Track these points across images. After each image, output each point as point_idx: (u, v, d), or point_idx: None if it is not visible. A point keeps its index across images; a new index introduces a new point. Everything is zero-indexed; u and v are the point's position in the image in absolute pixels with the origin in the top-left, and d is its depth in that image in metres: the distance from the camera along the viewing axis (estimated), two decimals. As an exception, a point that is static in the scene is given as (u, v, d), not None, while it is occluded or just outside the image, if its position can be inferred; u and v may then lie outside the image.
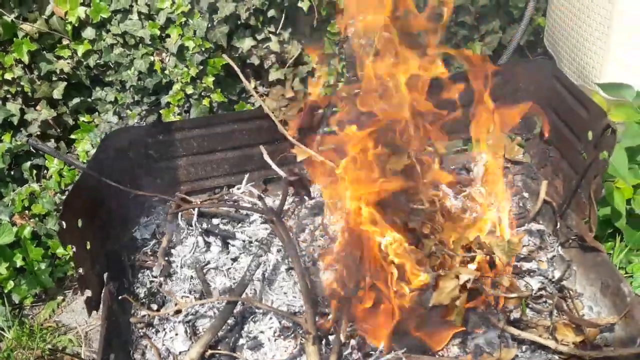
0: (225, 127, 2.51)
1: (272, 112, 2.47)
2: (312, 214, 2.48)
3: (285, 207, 2.45)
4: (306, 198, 2.48)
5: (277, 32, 2.87)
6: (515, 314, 2.05)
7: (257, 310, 2.12)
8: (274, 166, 2.36)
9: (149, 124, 2.76)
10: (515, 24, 3.17)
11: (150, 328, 2.10)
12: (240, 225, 2.50)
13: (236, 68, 2.71)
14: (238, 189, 2.28)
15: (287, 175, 2.30)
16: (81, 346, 2.39)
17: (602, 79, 2.71)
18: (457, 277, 1.89)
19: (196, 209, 2.44)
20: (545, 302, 2.13)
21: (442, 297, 1.90)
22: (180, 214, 2.47)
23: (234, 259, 2.36)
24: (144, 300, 2.20)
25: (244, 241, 2.40)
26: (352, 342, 1.95)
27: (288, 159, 2.48)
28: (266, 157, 2.38)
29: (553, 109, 2.44)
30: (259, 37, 2.86)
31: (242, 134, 2.52)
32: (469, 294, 1.91)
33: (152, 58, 2.78)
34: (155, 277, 2.27)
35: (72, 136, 2.84)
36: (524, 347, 1.97)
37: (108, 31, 2.72)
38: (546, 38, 3.23)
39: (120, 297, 2.06)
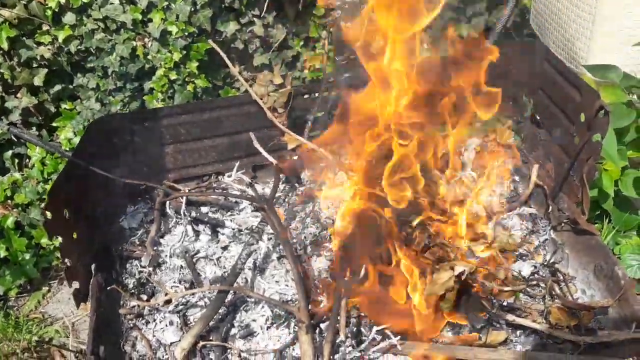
0: (213, 114, 2.46)
1: (260, 99, 2.43)
2: (303, 201, 2.45)
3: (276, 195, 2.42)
4: (297, 185, 2.44)
5: (262, 16, 2.82)
6: (509, 299, 2.04)
7: (248, 300, 2.09)
8: (264, 153, 2.32)
9: (135, 111, 2.71)
10: (501, 6, 3.14)
11: (140, 319, 2.06)
12: (229, 213, 2.46)
13: (221, 53, 2.66)
14: (229, 176, 2.24)
15: (278, 162, 2.26)
16: (68, 337, 2.35)
17: (589, 61, 2.70)
18: (452, 268, 1.88)
19: (184, 197, 2.40)
20: (538, 286, 2.12)
21: (435, 288, 1.88)
22: (168, 202, 2.43)
23: (224, 248, 2.32)
24: (133, 290, 2.16)
25: (233, 229, 2.37)
26: (346, 330, 1.92)
27: (278, 146, 2.44)
28: (256, 144, 2.34)
29: (544, 91, 2.42)
30: (243, 21, 2.82)
31: (231, 120, 2.47)
32: (464, 285, 1.91)
33: (134, 43, 2.73)
34: (144, 267, 2.23)
35: (54, 124, 2.78)
36: (518, 332, 1.96)
37: (89, 16, 2.65)
38: (533, 19, 3.21)
39: (108, 288, 2.02)
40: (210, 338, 1.96)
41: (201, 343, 1.92)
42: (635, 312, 1.85)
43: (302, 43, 2.99)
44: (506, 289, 2.00)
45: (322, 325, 1.96)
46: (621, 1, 2.67)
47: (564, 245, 2.23)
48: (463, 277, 1.88)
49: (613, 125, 2.57)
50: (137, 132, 2.41)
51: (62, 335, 2.36)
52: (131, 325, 2.05)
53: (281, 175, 2.39)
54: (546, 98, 2.40)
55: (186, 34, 2.73)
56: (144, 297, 2.14)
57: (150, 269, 2.22)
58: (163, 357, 1.95)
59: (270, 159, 2.34)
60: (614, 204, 2.97)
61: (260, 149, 2.34)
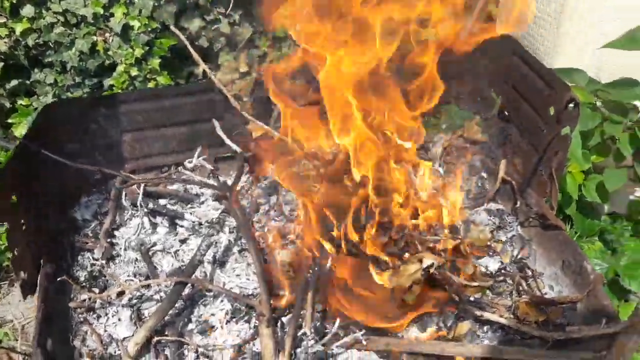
0: (174, 101, 2.36)
1: (224, 86, 2.34)
2: (267, 194, 2.37)
3: (239, 186, 2.33)
4: (261, 177, 2.36)
5: (227, 13, 2.74)
6: (476, 295, 1.99)
7: (207, 294, 2.00)
8: (227, 141, 2.23)
9: (91, 97, 2.59)
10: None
11: (92, 313, 1.95)
12: (189, 205, 2.36)
13: (185, 40, 2.57)
14: (189, 162, 2.15)
15: (242, 150, 2.18)
16: (17, 340, 2.23)
17: (554, 65, 2.70)
18: (421, 261, 1.82)
19: (142, 188, 2.29)
20: (506, 282, 2.08)
21: (402, 280, 1.83)
22: (124, 193, 2.32)
23: (183, 241, 2.23)
24: (84, 284, 2.04)
25: (193, 222, 2.27)
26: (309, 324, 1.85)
27: (242, 136, 2.36)
28: (219, 131, 2.25)
29: (513, 85, 2.39)
30: (209, 18, 2.73)
31: (192, 108, 2.37)
32: (431, 279, 1.86)
33: (94, 38, 2.63)
34: (97, 259, 2.12)
35: (9, 120, 2.65)
36: (485, 328, 1.91)
37: (48, 9, 2.54)
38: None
39: (58, 279, 1.91)
40: (166, 333, 1.87)
41: (156, 338, 1.82)
42: (604, 307, 1.81)
43: (268, 43, 2.92)
44: (473, 284, 1.95)
45: (284, 319, 1.88)
46: (585, 5, 2.67)
47: (531, 241, 2.20)
48: (431, 271, 1.83)
49: (578, 128, 2.56)
50: (93, 119, 2.30)
51: (11, 337, 2.24)
52: (81, 319, 1.94)
53: (245, 165, 2.31)
54: (515, 92, 2.37)
55: (149, 29, 2.64)
56: (96, 290, 2.03)
57: (104, 261, 2.12)
58: (115, 352, 1.84)
59: (234, 146, 2.25)
60: (577, 209, 2.98)
61: (224, 136, 2.25)
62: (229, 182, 2.03)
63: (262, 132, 2.23)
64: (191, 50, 2.52)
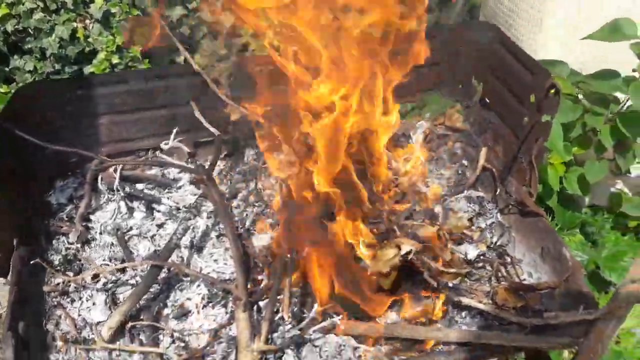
0: (152, 84, 2.30)
1: (203, 69, 2.30)
2: (246, 179, 2.34)
3: (217, 171, 2.31)
4: (240, 161, 2.33)
5: (210, 1, 2.71)
6: (454, 281, 1.98)
7: (184, 278, 1.97)
8: (205, 123, 2.20)
9: (67, 78, 2.55)
10: (452, 3, 3.12)
11: (65, 297, 1.92)
12: (167, 190, 2.33)
13: (166, 29, 2.53)
14: (165, 144, 2.11)
15: (221, 133, 2.14)
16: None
17: (537, 57, 2.70)
18: (399, 247, 1.81)
19: (118, 172, 2.25)
20: (484, 268, 2.07)
21: (380, 265, 1.81)
22: (100, 177, 2.28)
23: (160, 226, 2.19)
24: (59, 267, 2.00)
25: (170, 207, 2.24)
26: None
27: (221, 119, 2.32)
28: (197, 114, 2.21)
29: (494, 73, 2.38)
30: (190, 6, 2.70)
31: (171, 91, 2.32)
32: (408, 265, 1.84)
33: (74, 24, 2.60)
34: (72, 243, 2.08)
35: (-12, 107, 2.60)
36: (463, 314, 1.90)
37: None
38: (482, 17, 3.21)
39: (32, 262, 1.87)
40: (141, 317, 1.84)
41: (130, 323, 1.79)
42: (582, 294, 1.81)
43: (251, 32, 2.88)
44: (450, 270, 1.94)
45: (262, 304, 1.85)
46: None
47: (511, 228, 2.19)
48: (409, 257, 1.82)
49: (559, 120, 2.57)
50: (68, 101, 2.25)
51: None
52: (55, 303, 1.90)
53: (223, 148, 2.28)
54: (496, 80, 2.36)
55: (130, 16, 2.60)
56: (71, 274, 1.99)
57: (79, 245, 2.08)
58: (89, 336, 1.81)
59: (212, 129, 2.22)
60: (558, 201, 2.99)
61: (202, 119, 2.21)
62: (206, 166, 2.00)
63: (240, 115, 2.19)
64: (170, 34, 2.48)
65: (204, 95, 2.31)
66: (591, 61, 2.92)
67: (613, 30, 2.60)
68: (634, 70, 2.67)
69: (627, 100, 2.65)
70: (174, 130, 2.13)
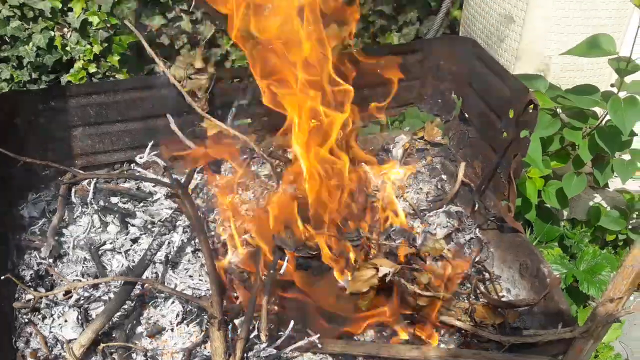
0: (127, 95, 2.27)
1: (179, 82, 2.27)
2: (222, 193, 2.30)
3: (193, 185, 2.27)
4: (216, 176, 2.30)
5: (190, 11, 2.68)
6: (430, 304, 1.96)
7: (158, 295, 1.93)
8: (181, 137, 2.16)
9: (40, 88, 2.50)
10: (432, 16, 3.12)
11: (36, 313, 1.87)
12: (142, 204, 2.29)
13: (142, 38, 2.49)
14: (140, 157, 2.07)
15: (196, 147, 2.11)
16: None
17: (516, 71, 2.70)
18: (377, 269, 1.78)
19: (92, 185, 2.21)
20: (463, 284, 2.05)
21: (358, 285, 1.79)
22: (74, 191, 2.24)
23: (134, 240, 2.15)
24: (30, 283, 1.95)
25: (145, 221, 2.20)
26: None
27: (197, 133, 2.29)
28: (173, 127, 2.18)
29: (474, 88, 2.38)
30: (170, 16, 2.66)
31: (146, 103, 2.29)
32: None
33: (52, 33, 2.56)
34: (44, 258, 2.03)
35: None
36: (442, 331, 1.88)
37: (5, 2, 2.46)
38: (462, 32, 3.21)
39: (2, 278, 1.81)
40: (113, 335, 1.80)
41: (102, 345, 1.74)
42: (561, 310, 1.80)
43: (231, 42, 2.86)
44: (427, 293, 1.90)
45: (237, 322, 1.82)
46: (548, 14, 2.68)
47: (489, 244, 2.18)
48: (387, 279, 1.79)
49: (538, 134, 2.57)
50: (41, 112, 2.21)
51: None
52: (26, 320, 1.85)
53: (199, 163, 2.24)
54: (476, 95, 2.36)
55: (108, 25, 2.56)
56: (42, 290, 1.94)
57: (50, 260, 2.03)
58: (60, 354, 1.76)
59: (189, 143, 2.18)
60: (536, 215, 2.99)
61: (178, 132, 2.17)
62: (182, 180, 1.96)
63: (217, 129, 2.16)
64: (145, 44, 2.45)
65: (181, 108, 2.28)
66: (568, 75, 2.94)
67: (592, 46, 2.60)
68: (612, 85, 2.69)
69: (605, 115, 2.66)
70: (149, 144, 2.09)
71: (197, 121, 2.28)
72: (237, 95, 2.33)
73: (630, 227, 3.08)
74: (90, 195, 2.20)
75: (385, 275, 1.76)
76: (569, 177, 2.81)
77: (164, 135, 2.30)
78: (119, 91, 2.26)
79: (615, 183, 3.14)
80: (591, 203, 3.19)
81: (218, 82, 2.33)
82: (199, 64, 2.30)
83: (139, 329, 1.85)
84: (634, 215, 3.07)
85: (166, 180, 1.93)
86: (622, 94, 2.55)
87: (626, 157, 2.73)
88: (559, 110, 2.72)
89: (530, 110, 1.98)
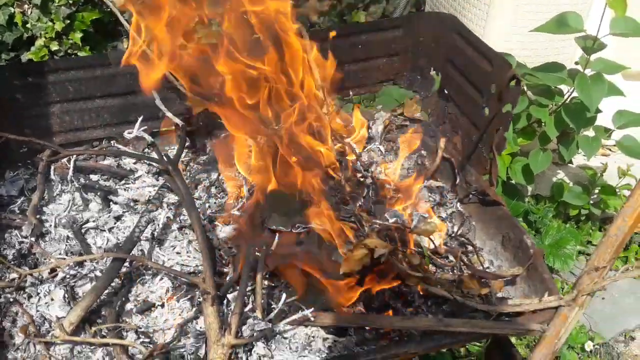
0: (107, 70, 2.22)
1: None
2: (206, 170, 2.29)
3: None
4: (200, 152, 2.28)
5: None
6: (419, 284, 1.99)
7: (145, 272, 1.92)
8: (168, 113, 2.13)
9: (16, 63, 2.43)
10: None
11: (21, 292, 1.83)
12: (123, 182, 2.26)
13: (116, 10, 2.44)
14: (129, 133, 2.04)
15: (184, 123, 2.08)
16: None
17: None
18: (370, 250, 1.79)
19: (72, 162, 2.17)
20: (447, 257, 2.09)
21: (352, 264, 1.80)
22: (53, 168, 2.19)
23: (117, 218, 2.12)
24: (13, 262, 1.91)
25: (128, 199, 2.17)
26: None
27: (181, 109, 2.26)
28: (159, 104, 2.14)
29: (454, 64, 2.41)
30: (138, -10, 2.61)
31: (127, 78, 2.24)
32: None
33: (12, 9, 2.48)
34: (25, 237, 1.99)
35: None
36: (428, 302, 1.92)
37: (-38, -22, 2.37)
38: (428, 9, 3.24)
39: (-14, 257, 1.78)
40: (102, 313, 1.78)
41: (93, 329, 1.72)
42: (545, 281, 1.85)
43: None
44: (416, 274, 1.92)
45: (230, 297, 1.82)
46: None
47: (471, 218, 2.23)
48: (382, 260, 1.81)
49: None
50: (18, 88, 2.15)
51: None
52: (11, 299, 1.81)
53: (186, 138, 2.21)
54: (455, 70, 2.39)
55: (70, 2, 2.50)
56: (26, 268, 1.90)
57: (33, 239, 1.99)
58: (48, 332, 1.74)
59: (176, 119, 2.15)
60: (502, 191, 3.06)
61: (164, 109, 2.14)
62: (171, 156, 1.95)
63: (203, 107, 2.13)
64: (122, 20, 2.39)
65: (164, 83, 2.24)
66: (536, 52, 3.00)
67: (560, 24, 2.66)
68: (576, 63, 2.76)
69: (571, 92, 2.73)
70: (139, 120, 2.05)
71: (180, 97, 2.24)
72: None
73: (592, 202, 3.18)
74: (70, 172, 2.16)
75: (381, 255, 1.78)
76: (535, 153, 2.89)
77: (144, 112, 2.26)
78: (97, 66, 2.21)
79: (577, 159, 3.24)
80: (554, 179, 3.28)
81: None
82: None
83: (129, 306, 1.84)
84: (596, 191, 3.18)
85: (156, 157, 1.91)
86: (587, 72, 2.62)
87: (590, 133, 2.82)
88: (525, 88, 2.78)
89: (513, 86, 2.02)
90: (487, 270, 2.04)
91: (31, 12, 2.53)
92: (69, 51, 2.64)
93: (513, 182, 3.03)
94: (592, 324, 2.84)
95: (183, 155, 2.31)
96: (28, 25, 2.53)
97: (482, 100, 2.20)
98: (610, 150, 3.44)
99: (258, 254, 1.80)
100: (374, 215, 1.98)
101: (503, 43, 2.95)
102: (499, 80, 2.08)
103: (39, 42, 2.57)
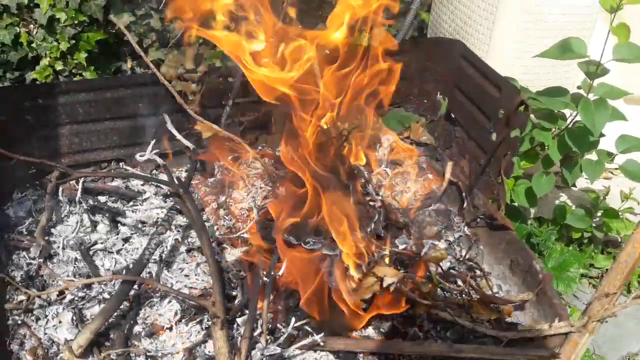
0: (117, 93, 2.23)
1: (169, 81, 2.24)
2: (214, 192, 2.29)
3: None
4: (209, 175, 2.28)
5: (160, 8, 2.64)
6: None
7: (153, 294, 1.91)
8: (179, 136, 2.13)
9: (27, 85, 2.44)
10: (402, 18, 3.15)
11: (29, 315, 1.82)
12: (131, 204, 2.25)
13: (125, 30, 2.45)
14: (141, 156, 2.03)
15: (194, 146, 2.08)
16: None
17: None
18: (380, 279, 1.79)
19: (80, 184, 2.17)
20: (456, 282, 2.09)
21: (362, 292, 1.80)
22: (61, 190, 2.19)
23: (126, 240, 2.12)
24: (21, 283, 1.90)
25: (136, 220, 2.17)
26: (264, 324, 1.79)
27: (189, 135, 2.27)
28: (169, 126, 2.14)
29: (461, 89, 2.43)
30: (139, 13, 2.63)
31: (136, 101, 2.26)
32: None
33: (17, 29, 2.49)
34: (33, 258, 1.98)
35: None
36: (438, 327, 1.92)
37: (-32, -2, 2.38)
38: (430, 34, 3.26)
39: (-4, 277, 1.77)
40: (111, 336, 1.77)
41: (103, 354, 1.71)
42: (554, 306, 1.85)
43: (201, 40, 2.83)
44: (425, 302, 1.91)
45: (239, 321, 1.82)
46: (516, 18, 2.75)
47: (478, 241, 2.23)
48: (392, 289, 1.80)
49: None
50: (28, 110, 2.16)
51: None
52: (19, 322, 1.80)
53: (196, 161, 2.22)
54: (462, 95, 2.41)
55: (76, 22, 2.51)
56: (34, 290, 1.89)
57: (41, 260, 1.98)
58: (56, 354, 1.73)
59: (187, 143, 2.15)
60: (505, 214, 3.06)
61: (176, 133, 2.14)
62: (182, 179, 1.95)
63: (212, 132, 2.14)
64: (132, 41, 2.41)
65: (173, 106, 2.26)
66: (539, 77, 3.02)
67: (564, 49, 2.68)
68: (578, 87, 2.77)
69: (574, 116, 2.75)
70: (151, 143, 2.05)
71: (188, 121, 2.25)
72: (229, 94, 2.32)
73: (594, 225, 3.18)
74: (79, 194, 2.16)
75: (390, 285, 1.78)
76: (538, 176, 2.90)
77: (153, 134, 2.27)
78: (108, 89, 2.22)
79: (580, 182, 3.24)
80: (557, 202, 3.28)
81: (209, 82, 2.30)
82: (189, 65, 2.27)
83: (137, 329, 1.83)
84: (599, 214, 3.18)
85: (166, 180, 1.91)
86: (590, 96, 2.64)
87: (592, 157, 2.83)
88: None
89: (521, 111, 2.03)
90: (496, 294, 2.04)
91: (36, 32, 2.54)
92: (73, 71, 2.64)
93: (516, 204, 3.03)
94: (595, 347, 2.82)
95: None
96: (33, 45, 2.54)
97: (489, 125, 2.21)
98: (612, 173, 3.44)
99: (266, 278, 1.79)
100: (383, 239, 1.97)
101: (506, 67, 2.97)
102: (507, 106, 2.10)
103: (44, 61, 2.58)
